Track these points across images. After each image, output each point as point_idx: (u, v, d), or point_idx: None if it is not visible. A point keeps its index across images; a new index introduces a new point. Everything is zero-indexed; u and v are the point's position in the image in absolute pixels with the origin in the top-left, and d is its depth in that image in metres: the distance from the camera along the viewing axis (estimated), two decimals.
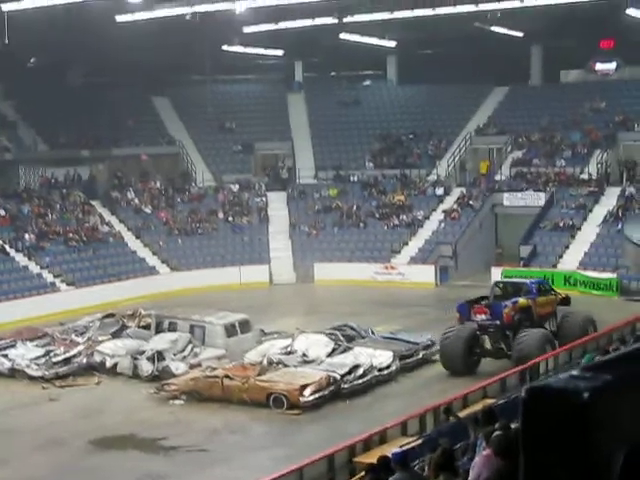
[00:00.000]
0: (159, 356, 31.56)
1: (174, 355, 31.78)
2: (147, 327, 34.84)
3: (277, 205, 55.52)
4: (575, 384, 1.14)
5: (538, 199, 50.79)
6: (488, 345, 31.52)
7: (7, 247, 47.10)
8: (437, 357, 32.45)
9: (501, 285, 34.57)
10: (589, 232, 48.03)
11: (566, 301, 33.20)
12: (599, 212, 48.99)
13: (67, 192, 53.57)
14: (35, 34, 43.42)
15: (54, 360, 32.04)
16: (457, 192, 53.74)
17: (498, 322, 30.81)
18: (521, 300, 31.50)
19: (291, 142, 59.48)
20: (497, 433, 10.38)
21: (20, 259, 46.84)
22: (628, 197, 48.77)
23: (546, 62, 59.31)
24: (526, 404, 1.15)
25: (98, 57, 53.10)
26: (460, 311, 31.99)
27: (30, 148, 54.50)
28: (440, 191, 54.00)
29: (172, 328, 33.55)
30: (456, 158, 55.85)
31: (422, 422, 22.19)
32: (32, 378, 31.49)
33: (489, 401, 21.35)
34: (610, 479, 1.19)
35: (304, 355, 30.99)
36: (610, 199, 49.51)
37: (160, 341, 32.55)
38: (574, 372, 1.15)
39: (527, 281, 34.63)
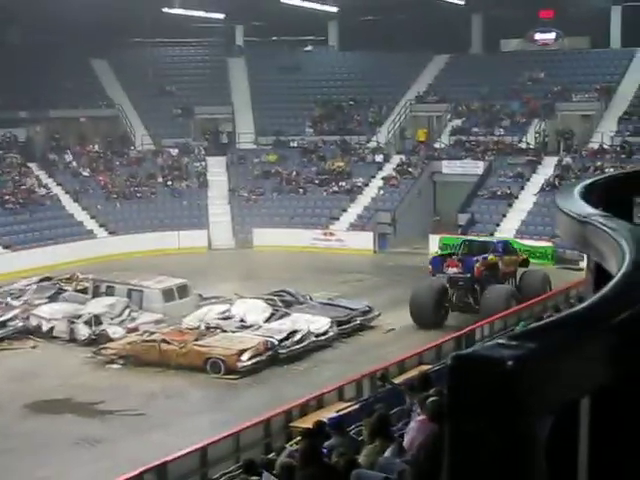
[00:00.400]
0: (96, 320, 31.40)
1: (111, 319, 31.65)
2: (84, 291, 34.71)
3: (216, 170, 55.26)
4: (500, 352, 1.16)
5: (476, 167, 51.13)
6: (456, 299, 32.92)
7: None
8: (375, 323, 32.74)
9: (468, 243, 36.01)
10: (526, 201, 48.47)
11: (525, 263, 35.48)
12: (536, 181, 49.43)
13: (3, 154, 52.86)
14: None
15: None
16: (396, 159, 53.89)
17: (469, 275, 32.29)
18: (490, 257, 33.27)
19: (231, 107, 59.17)
20: (432, 399, 10.49)
21: None
22: (565, 166, 49.25)
23: (486, 31, 59.59)
24: (452, 371, 1.17)
25: (37, 16, 52.31)
26: (433, 264, 33.64)
27: None
28: (380, 158, 54.11)
29: (109, 292, 33.43)
30: (396, 125, 55.98)
31: (359, 387, 22.34)
32: None
33: (425, 367, 21.54)
34: (535, 446, 1.22)
35: (242, 320, 31.04)
36: (547, 168, 49.96)
37: (97, 305, 32.40)
38: (501, 340, 1.18)
39: (494, 240, 37.32)
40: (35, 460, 21.26)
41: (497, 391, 1.09)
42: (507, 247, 35.48)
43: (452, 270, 32.71)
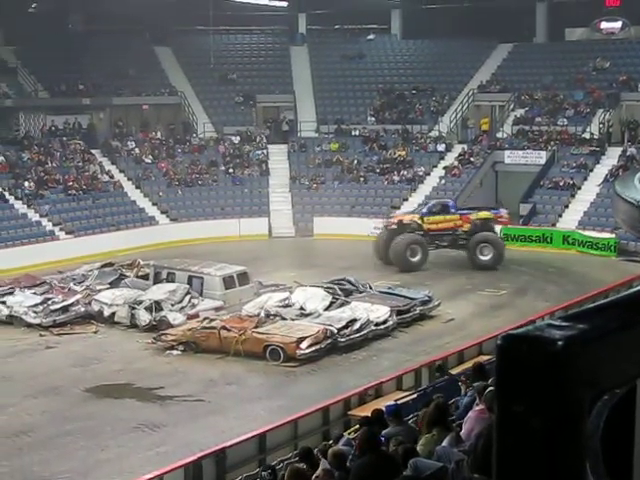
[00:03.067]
0: (157, 306, 31.61)
1: (172, 305, 31.83)
2: (145, 277, 34.93)
3: (278, 158, 55.39)
4: (551, 332, 1.13)
5: (539, 157, 50.67)
6: None
7: (6, 194, 47.10)
8: (434, 313, 32.64)
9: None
10: (589, 192, 47.96)
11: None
12: (600, 172, 48.88)
13: (67, 140, 53.41)
14: None
15: (52, 308, 32.11)
16: (458, 149, 53.61)
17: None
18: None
19: (293, 95, 59.19)
20: (491, 388, 10.42)
21: (19, 207, 46.85)
22: (629, 157, 48.61)
23: (551, 19, 58.91)
24: (501, 351, 1.14)
25: (101, 4, 52.76)
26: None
27: (30, 95, 54.26)
28: (441, 147, 53.87)
29: (170, 279, 33.60)
30: (458, 114, 55.64)
31: (417, 377, 22.29)
32: (30, 325, 31.58)
33: (484, 357, 21.42)
34: (584, 427, 1.19)
35: (301, 308, 31.05)
36: (611, 159, 49.37)
37: (158, 291, 32.60)
38: (552, 321, 1.15)
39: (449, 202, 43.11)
40: (96, 443, 21.48)
41: (547, 371, 1.06)
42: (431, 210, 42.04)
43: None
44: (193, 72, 59.84)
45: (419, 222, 41.25)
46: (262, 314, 30.34)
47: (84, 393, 25.45)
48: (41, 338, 30.59)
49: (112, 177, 52.04)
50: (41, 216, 46.61)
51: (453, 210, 41.91)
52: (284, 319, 30.04)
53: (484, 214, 42.00)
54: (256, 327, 28.74)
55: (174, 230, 48.80)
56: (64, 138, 53.51)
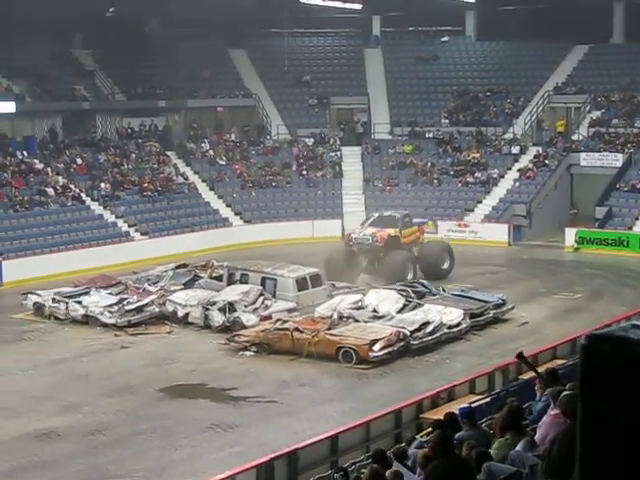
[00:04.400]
0: (230, 307, 31.77)
1: (245, 307, 31.95)
2: (219, 278, 35.08)
3: (351, 160, 55.41)
4: (636, 333, 1.10)
5: (616, 160, 50.03)
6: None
7: (83, 195, 47.71)
8: (508, 316, 32.39)
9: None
10: None
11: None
12: None
13: (143, 142, 53.98)
14: None
15: (127, 308, 32.44)
16: (533, 151, 53.14)
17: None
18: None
19: (367, 97, 59.16)
20: (566, 393, 10.29)
21: (95, 208, 47.42)
22: None
23: (629, 20, 58.08)
24: (585, 351, 1.12)
25: (176, 8, 53.21)
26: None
27: (107, 98, 54.92)
28: (516, 149, 53.44)
29: (244, 280, 33.73)
30: (533, 116, 55.15)
31: (490, 381, 22.13)
32: (105, 325, 31.93)
33: (559, 362, 21.20)
34: None
35: (374, 310, 31.00)
36: None
37: (232, 292, 32.75)
38: (636, 322, 1.12)
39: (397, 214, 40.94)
40: (169, 443, 21.64)
41: (630, 371, 1.03)
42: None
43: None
44: (267, 74, 60.11)
45: (399, 236, 39.64)
46: (335, 316, 30.33)
47: (158, 393, 25.65)
48: (116, 338, 30.92)
49: (187, 179, 52.48)
50: (117, 217, 47.13)
51: (414, 221, 41.14)
52: (357, 321, 29.99)
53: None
54: (329, 329, 28.73)
55: (247, 231, 49.05)
56: (140, 140, 54.09)
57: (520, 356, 14.04)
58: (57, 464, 20.44)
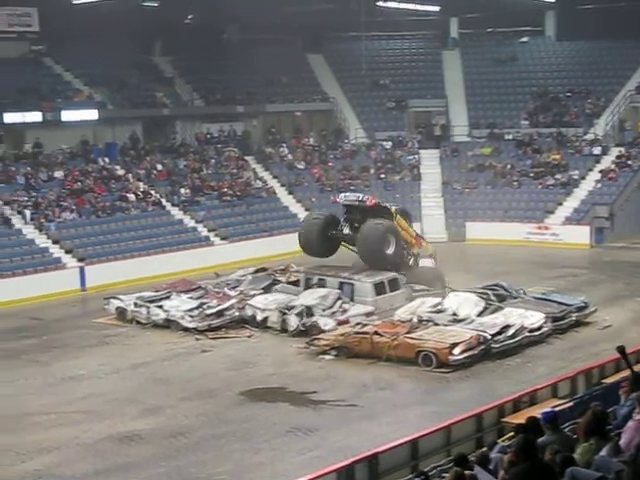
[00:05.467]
0: (308, 311, 31.80)
1: (323, 311, 31.97)
2: (297, 283, 35.14)
3: (430, 163, 55.19)
4: None
5: None
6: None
7: (163, 201, 48.18)
8: (591, 319, 31.95)
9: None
10: None
11: None
12: None
13: (222, 147, 54.36)
14: None
15: (207, 312, 32.64)
16: (615, 152, 52.44)
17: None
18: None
19: (445, 99, 58.90)
20: None
21: (175, 213, 47.85)
22: None
23: None
24: None
25: (254, 14, 53.46)
26: None
27: (187, 104, 55.40)
28: (597, 150, 52.76)
29: (321, 284, 33.75)
30: (615, 117, 54.42)
31: (573, 385, 21.85)
32: (186, 329, 32.16)
33: None
34: None
35: (454, 314, 30.79)
36: None
37: (310, 297, 32.78)
38: None
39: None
40: (249, 446, 21.71)
41: None
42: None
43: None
44: (345, 78, 60.18)
45: (390, 208, 36.28)
46: (414, 319, 30.20)
47: (238, 396, 25.76)
48: (197, 342, 31.13)
49: (265, 183, 52.73)
50: (196, 222, 47.49)
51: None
52: (436, 324, 29.81)
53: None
54: (408, 332, 28.60)
55: None
56: (219, 145, 54.50)
57: (621, 350, 13.77)
58: (139, 466, 20.63)
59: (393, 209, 36.03)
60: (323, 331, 30.54)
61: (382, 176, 54.06)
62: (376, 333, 28.63)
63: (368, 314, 31.79)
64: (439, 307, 31.40)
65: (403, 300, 32.75)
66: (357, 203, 35.39)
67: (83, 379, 27.75)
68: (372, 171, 54.48)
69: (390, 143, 56.42)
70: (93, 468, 20.55)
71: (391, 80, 60.44)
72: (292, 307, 32.20)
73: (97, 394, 26.19)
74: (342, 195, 36.87)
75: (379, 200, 36.28)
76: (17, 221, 43.12)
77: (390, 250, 34.26)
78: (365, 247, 34.32)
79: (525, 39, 62.80)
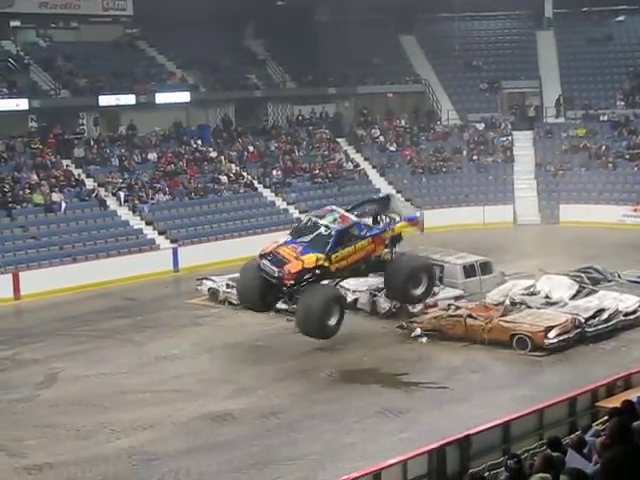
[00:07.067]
0: None
1: None
2: None
3: (523, 144, 54.61)
4: None
5: None
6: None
7: (255, 183, 48.45)
8: None
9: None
10: None
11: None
12: None
13: (313, 129, 54.45)
14: None
15: None
16: None
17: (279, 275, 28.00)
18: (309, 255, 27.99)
19: (539, 80, 58.15)
20: None
21: (267, 195, 48.10)
22: None
23: None
24: None
25: None
26: None
27: (278, 86, 55.59)
28: None
29: None
30: None
31: None
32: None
33: None
34: None
35: (547, 297, 30.44)
36: None
37: None
38: None
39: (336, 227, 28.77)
40: (341, 426, 21.78)
41: None
42: (342, 237, 28.32)
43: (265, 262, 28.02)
44: (437, 59, 59.76)
45: (325, 264, 27.98)
46: (507, 302, 29.94)
47: (329, 377, 25.85)
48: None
49: (357, 165, 52.69)
50: (288, 204, 47.66)
51: (362, 232, 28.97)
52: (529, 307, 29.53)
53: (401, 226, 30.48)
54: (502, 316, 28.36)
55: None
56: (310, 127, 54.59)
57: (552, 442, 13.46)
58: (232, 445, 20.82)
59: (321, 259, 27.68)
60: (412, 314, 30.45)
61: (474, 158, 53.64)
62: (470, 316, 28.46)
63: (457, 297, 31.57)
64: (532, 290, 31.08)
65: (494, 284, 32.44)
66: (275, 280, 27.99)
67: (176, 359, 28.12)
68: (464, 153, 54.10)
69: (483, 124, 55.95)
70: (186, 446, 20.81)
71: (484, 61, 59.85)
72: (382, 289, 32.14)
73: (190, 374, 26.49)
74: (263, 262, 28.26)
75: (301, 268, 27.61)
76: (112, 203, 43.77)
77: (333, 320, 27.65)
78: (303, 325, 27.71)
79: (621, 18, 61.59)
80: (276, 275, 27.74)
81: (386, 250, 29.78)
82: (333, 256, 27.91)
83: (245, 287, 28.97)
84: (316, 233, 28.48)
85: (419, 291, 29.62)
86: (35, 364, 28.06)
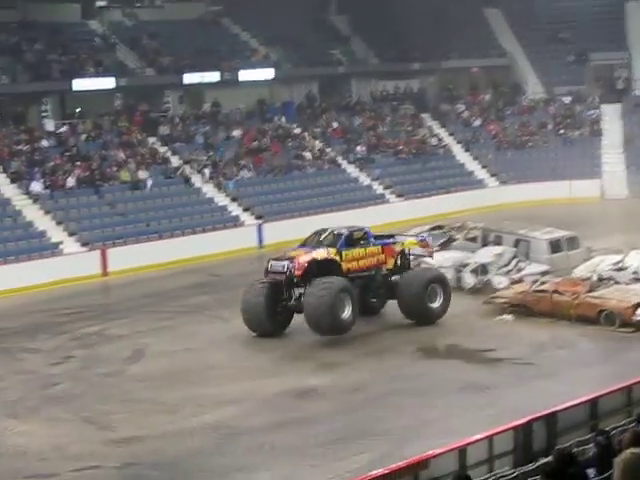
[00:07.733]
0: (482, 269, 31.48)
1: (498, 269, 31.55)
2: (474, 240, 34.76)
3: (611, 118, 53.71)
4: None
5: None
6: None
7: (339, 159, 48.39)
8: None
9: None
10: None
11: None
12: None
13: (397, 105, 54.20)
14: None
15: None
16: None
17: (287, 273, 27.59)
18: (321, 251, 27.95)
19: (628, 52, 57.12)
20: None
21: (351, 170, 48.03)
22: None
23: None
24: None
25: None
26: None
27: (362, 62, 55.40)
28: None
29: (497, 242, 33.31)
30: None
31: None
32: None
33: None
34: None
35: (635, 272, 29.92)
36: None
37: (485, 254, 32.42)
38: None
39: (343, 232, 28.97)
40: (423, 402, 21.68)
41: None
42: (352, 237, 28.45)
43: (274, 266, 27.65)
44: (523, 32, 59.03)
45: (336, 259, 27.76)
46: (594, 277, 29.49)
47: (414, 353, 25.75)
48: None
49: (441, 140, 52.36)
50: (372, 180, 47.55)
51: (372, 239, 28.95)
52: (617, 283, 29.04)
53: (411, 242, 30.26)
54: (589, 291, 27.92)
55: (502, 193, 48.50)
56: (394, 103, 54.35)
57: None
58: (317, 421, 20.85)
59: (332, 252, 27.71)
60: (497, 289, 30.18)
61: (561, 132, 52.94)
62: (556, 292, 28.08)
63: (543, 273, 31.16)
64: (620, 265, 30.56)
65: (580, 259, 31.96)
66: (284, 277, 27.42)
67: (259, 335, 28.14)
68: (550, 127, 53.41)
69: (569, 98, 55.22)
70: (270, 421, 20.89)
71: (571, 33, 58.91)
72: (467, 264, 31.91)
73: (273, 349, 26.58)
74: (271, 263, 27.85)
75: (311, 258, 27.38)
76: (197, 180, 44.07)
77: (347, 313, 26.91)
78: (314, 319, 26.87)
79: None
80: (285, 270, 27.16)
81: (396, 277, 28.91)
82: (344, 253, 27.77)
83: (249, 307, 27.65)
84: (324, 235, 28.50)
85: (436, 304, 28.39)
86: (122, 339, 28.42)
